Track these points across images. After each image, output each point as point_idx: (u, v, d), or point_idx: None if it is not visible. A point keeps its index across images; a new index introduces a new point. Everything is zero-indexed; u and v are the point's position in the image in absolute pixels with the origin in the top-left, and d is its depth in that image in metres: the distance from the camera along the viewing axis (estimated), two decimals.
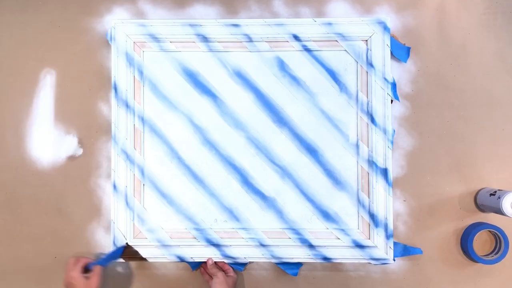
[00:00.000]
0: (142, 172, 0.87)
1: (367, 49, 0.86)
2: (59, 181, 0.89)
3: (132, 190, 0.87)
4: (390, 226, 0.85)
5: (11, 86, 0.90)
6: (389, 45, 0.86)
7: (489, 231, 0.87)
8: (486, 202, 0.84)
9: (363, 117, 0.86)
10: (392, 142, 0.86)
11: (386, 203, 0.85)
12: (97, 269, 0.80)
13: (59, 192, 0.89)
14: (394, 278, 0.88)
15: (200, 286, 0.88)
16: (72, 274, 0.78)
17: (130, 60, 0.87)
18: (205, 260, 0.85)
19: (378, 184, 0.85)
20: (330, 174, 0.87)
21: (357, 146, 0.87)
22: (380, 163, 0.85)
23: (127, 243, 0.85)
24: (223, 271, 0.85)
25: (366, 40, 0.86)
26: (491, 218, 0.87)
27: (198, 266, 0.87)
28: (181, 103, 0.88)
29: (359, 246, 0.85)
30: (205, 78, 0.88)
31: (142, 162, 0.87)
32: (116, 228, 0.86)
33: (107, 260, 0.83)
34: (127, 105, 0.87)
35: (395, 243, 0.86)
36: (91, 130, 0.89)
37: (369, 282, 0.88)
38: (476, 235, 0.85)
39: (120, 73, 0.87)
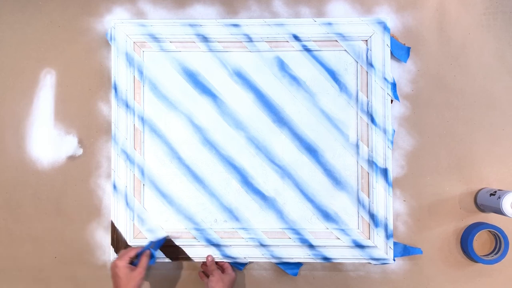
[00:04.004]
0: (142, 172, 0.87)
1: (367, 49, 0.86)
2: (59, 181, 0.89)
3: (132, 190, 0.87)
4: (390, 226, 0.85)
5: (11, 86, 0.90)
6: (389, 45, 0.86)
7: (489, 231, 0.87)
8: (486, 202, 0.84)
9: (363, 117, 0.86)
10: (392, 142, 0.86)
11: (386, 203, 0.85)
12: (143, 262, 0.77)
13: (59, 192, 0.89)
14: (394, 278, 0.88)
15: (199, 286, 0.88)
16: (117, 262, 0.76)
17: (130, 60, 0.87)
18: (205, 258, 0.85)
19: (378, 184, 0.85)
20: (330, 174, 0.87)
21: (357, 146, 0.87)
22: (380, 163, 0.85)
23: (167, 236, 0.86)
24: (222, 269, 0.85)
25: (366, 40, 0.86)
26: (491, 218, 0.87)
27: None
28: (181, 103, 0.88)
29: (359, 246, 0.85)
30: (205, 78, 0.88)
31: (142, 162, 0.87)
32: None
33: (155, 244, 0.82)
34: (127, 105, 0.87)
35: (395, 243, 0.86)
36: (91, 130, 0.89)
37: (369, 282, 0.88)
38: (476, 235, 0.85)
39: (120, 73, 0.87)
